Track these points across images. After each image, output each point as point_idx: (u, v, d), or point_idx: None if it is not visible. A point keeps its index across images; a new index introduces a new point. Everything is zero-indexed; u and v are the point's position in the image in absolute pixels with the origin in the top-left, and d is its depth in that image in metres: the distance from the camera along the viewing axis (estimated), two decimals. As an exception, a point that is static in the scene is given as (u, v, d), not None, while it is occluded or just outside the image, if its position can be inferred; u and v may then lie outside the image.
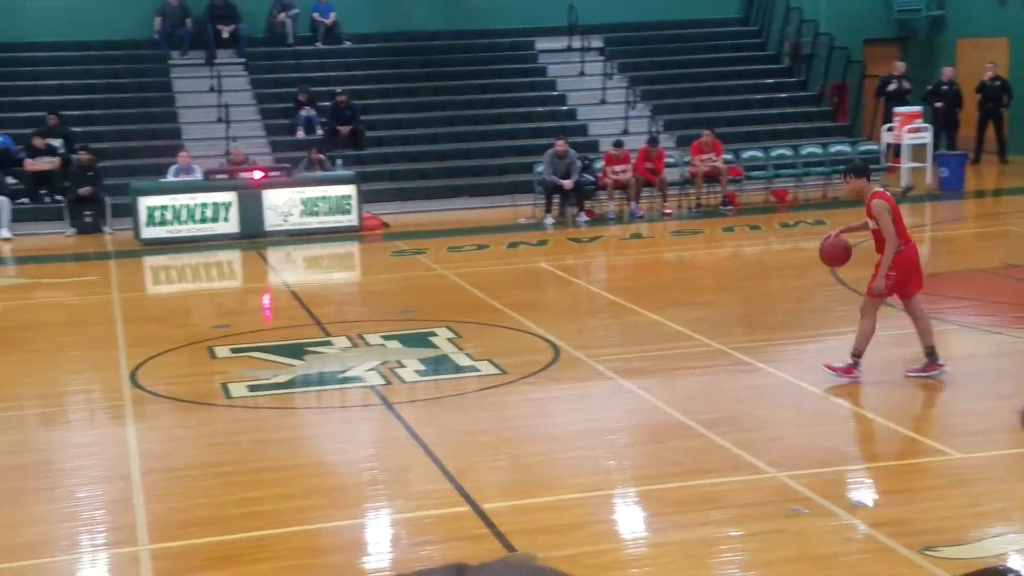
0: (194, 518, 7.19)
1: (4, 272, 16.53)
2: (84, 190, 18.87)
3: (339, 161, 20.38)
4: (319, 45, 24.18)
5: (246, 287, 15.90)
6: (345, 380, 10.18)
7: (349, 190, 18.62)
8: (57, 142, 19.93)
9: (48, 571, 6.63)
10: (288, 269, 16.52)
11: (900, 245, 9.11)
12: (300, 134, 21.72)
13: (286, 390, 9.94)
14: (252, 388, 9.90)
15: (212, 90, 22.20)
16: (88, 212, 19.00)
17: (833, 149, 21.01)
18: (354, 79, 23.10)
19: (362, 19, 24.47)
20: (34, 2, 23.03)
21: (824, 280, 13.13)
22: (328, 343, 11.36)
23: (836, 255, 9.68)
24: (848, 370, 9.35)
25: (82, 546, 6.93)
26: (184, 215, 17.98)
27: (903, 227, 9.25)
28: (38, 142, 19.58)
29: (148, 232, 17.87)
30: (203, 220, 18.04)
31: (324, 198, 18.48)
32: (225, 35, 23.34)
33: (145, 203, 17.92)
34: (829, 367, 9.45)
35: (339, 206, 18.53)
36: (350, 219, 18.53)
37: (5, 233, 18.52)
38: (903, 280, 9.21)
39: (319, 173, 19.24)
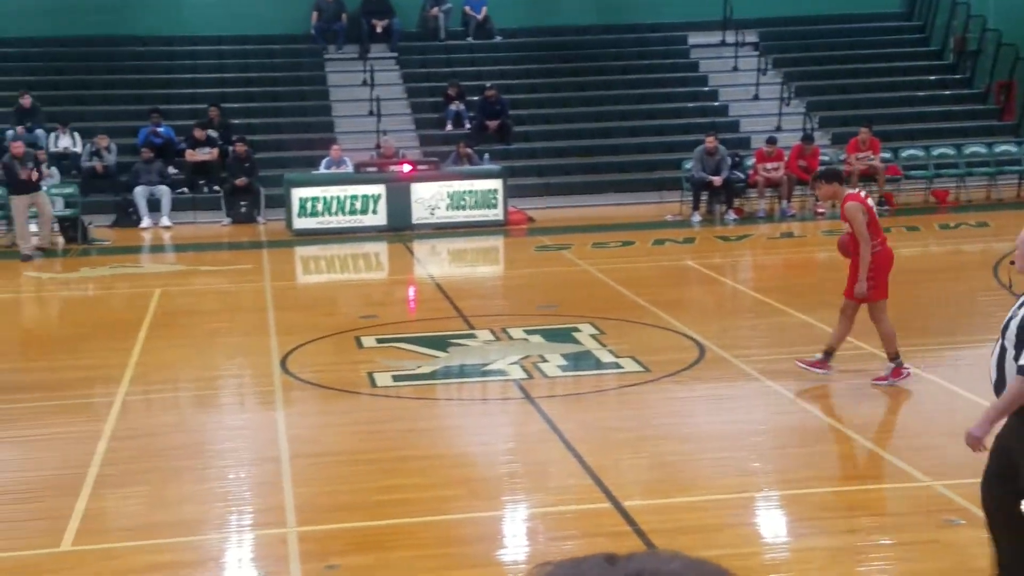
0: (339, 503, 7.29)
1: (164, 259, 17.13)
2: (240, 181, 19.42)
3: (486, 155, 20.51)
4: (470, 40, 24.38)
5: (392, 278, 16.13)
6: (488, 373, 10.20)
7: (495, 184, 18.71)
8: (216, 134, 20.57)
9: (199, 548, 6.81)
10: (433, 262, 16.68)
11: (876, 246, 9.05)
12: (449, 128, 21.93)
13: (429, 381, 10.02)
14: (396, 378, 10.01)
15: (364, 84, 22.59)
16: (243, 202, 19.55)
17: (998, 149, 20.22)
18: (503, 74, 23.21)
19: (513, 14, 24.56)
20: (198, -2, 23.85)
21: (985, 285, 12.61)
22: (472, 336, 11.42)
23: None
24: (895, 373, 9.19)
25: (232, 525, 7.10)
26: (334, 207, 18.34)
27: (878, 230, 9.22)
28: (199, 134, 20.23)
29: (300, 223, 18.29)
30: (352, 212, 18.37)
31: (470, 192, 18.61)
32: (379, 30, 23.73)
33: (298, 194, 18.34)
34: (878, 379, 9.26)
35: (485, 200, 18.63)
36: (496, 213, 18.62)
37: (165, 221, 19.19)
38: (882, 281, 9.17)
39: (466, 167, 19.38)
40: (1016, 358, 4.93)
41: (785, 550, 6.67)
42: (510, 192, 18.94)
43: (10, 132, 19.97)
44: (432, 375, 10.15)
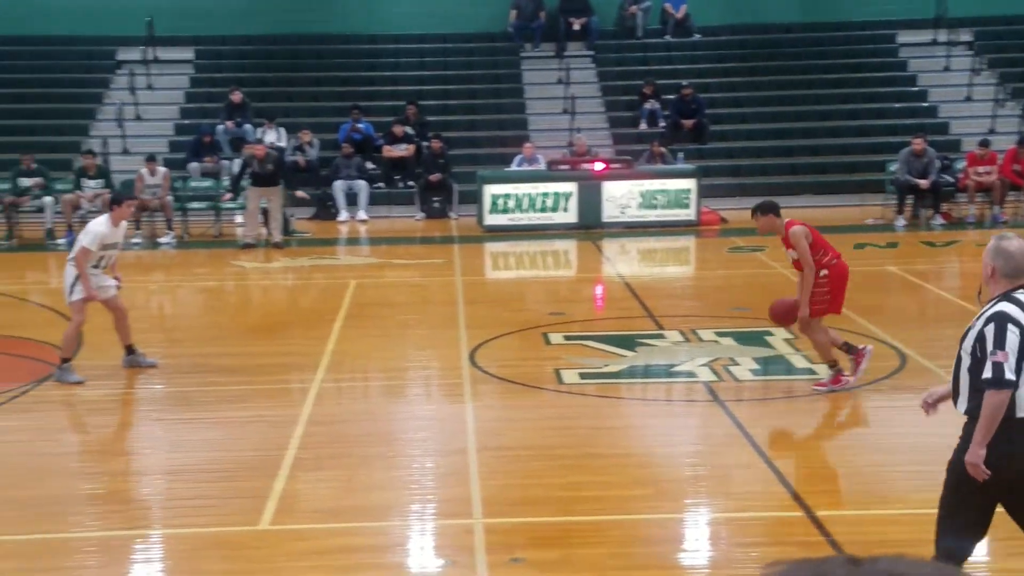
0: (525, 497, 7.31)
1: (359, 252, 17.58)
2: (434, 177, 19.76)
3: (680, 155, 20.27)
4: (668, 38, 24.17)
5: (581, 276, 16.10)
6: (676, 374, 10.06)
7: (689, 184, 18.48)
8: (413, 131, 20.99)
9: (388, 534, 6.93)
10: (623, 260, 16.58)
11: (832, 260, 9.20)
12: (643, 127, 21.78)
13: (616, 380, 9.94)
14: (583, 375, 9.97)
15: (560, 82, 22.67)
16: (436, 198, 19.89)
17: None
18: (701, 72, 22.92)
19: (714, 11, 24.25)
20: (401, -4, 24.43)
21: None
22: (660, 336, 11.28)
23: (782, 315, 9.48)
24: (835, 380, 9.27)
25: (420, 513, 7.21)
26: (526, 203, 18.45)
27: (829, 246, 9.31)
28: (397, 130, 20.69)
29: (491, 219, 18.48)
30: (543, 209, 18.45)
31: (663, 191, 18.42)
32: (576, 28, 23.77)
33: (490, 191, 18.53)
34: (818, 385, 9.36)
35: (677, 200, 18.42)
36: (688, 213, 18.38)
37: (362, 215, 19.70)
38: (836, 297, 9.24)
39: (659, 166, 19.20)
40: (970, 367, 5.08)
41: (985, 570, 6.33)
42: (703, 192, 18.67)
43: (220, 127, 20.88)
44: (619, 374, 10.07)
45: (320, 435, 8.61)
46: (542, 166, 19.20)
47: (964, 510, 5.21)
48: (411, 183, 20.32)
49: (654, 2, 24.24)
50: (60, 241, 17.31)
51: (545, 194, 18.41)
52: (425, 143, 20.50)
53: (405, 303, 13.62)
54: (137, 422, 9.20)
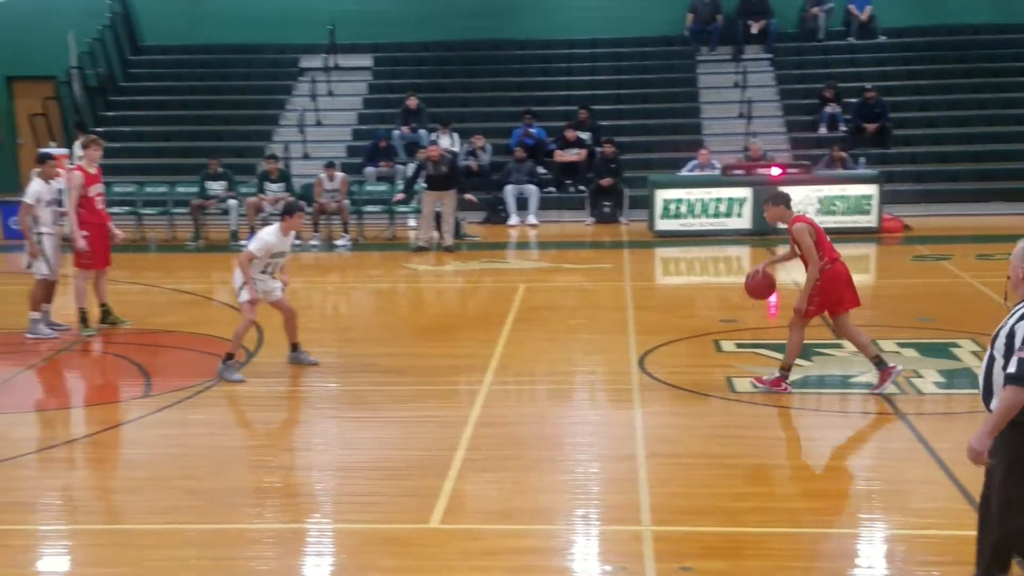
0: (694, 505, 7.17)
1: (528, 256, 17.64)
2: (605, 181, 19.70)
3: (862, 160, 19.68)
4: (851, 40, 23.50)
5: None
6: (855, 385, 9.72)
7: (870, 190, 17.92)
8: (586, 135, 20.97)
9: (556, 537, 6.90)
10: (798, 268, 16.10)
11: (827, 264, 9.30)
12: (822, 131, 21.24)
13: (791, 389, 9.67)
14: (756, 384, 9.73)
15: (736, 86, 22.31)
16: (607, 203, 19.82)
17: None
18: (885, 75, 22.23)
19: (900, 12, 23.51)
20: (578, 1, 24.42)
21: None
22: (838, 346, 10.93)
23: (761, 290, 9.78)
24: (776, 383, 9.44)
25: (588, 518, 7.14)
26: (698, 209, 18.21)
27: (829, 246, 9.42)
28: (569, 134, 20.70)
29: (662, 224, 18.30)
30: (716, 215, 18.17)
31: (843, 197, 17.92)
32: (754, 31, 23.37)
33: (662, 196, 18.35)
34: (758, 380, 9.53)
35: (858, 206, 17.89)
36: (868, 220, 17.83)
37: (531, 219, 19.78)
38: (832, 298, 9.37)
39: (839, 171, 18.67)
40: (1004, 367, 5.10)
41: None
42: (885, 198, 18.06)
43: (396, 132, 21.29)
44: (793, 384, 9.79)
45: (489, 437, 8.64)
46: (717, 172, 18.91)
47: None
48: (582, 187, 20.30)
49: (837, 3, 23.61)
50: (243, 243, 17.88)
51: (719, 199, 18.12)
52: (597, 147, 20.44)
53: (574, 307, 13.58)
54: (312, 419, 9.42)
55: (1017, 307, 5.23)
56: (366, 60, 24.26)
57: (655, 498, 7.23)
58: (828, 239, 9.53)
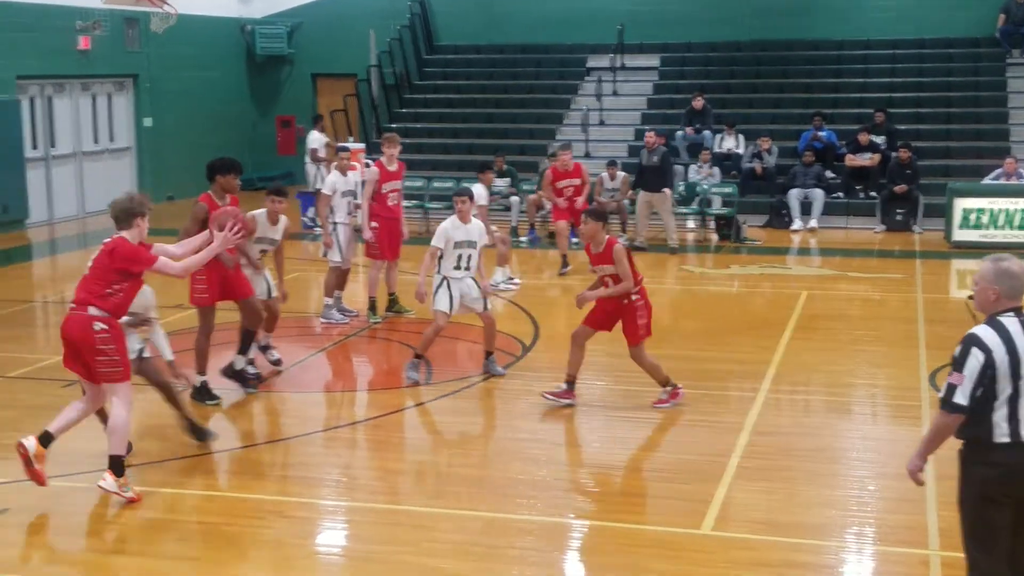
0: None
1: (810, 262, 17.06)
2: (899, 188, 18.81)
3: None
4: None
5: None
6: None
7: None
8: (880, 139, 20.10)
9: (833, 554, 6.65)
10: None
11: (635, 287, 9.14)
12: None
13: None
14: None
15: (1049, 91, 20.81)
16: (900, 210, 18.92)
17: None
18: None
19: None
20: (875, 2, 23.47)
21: None
22: None
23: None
24: (565, 394, 9.32)
25: (867, 537, 6.84)
26: (1002, 220, 17.13)
27: (636, 271, 9.28)
28: (862, 138, 19.90)
29: (960, 235, 17.31)
30: (1022, 227, 17.01)
31: None
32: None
33: (961, 205, 17.36)
34: (549, 394, 9.35)
35: None
36: None
37: (813, 224, 19.15)
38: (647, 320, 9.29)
39: None
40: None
41: None
42: None
43: (679, 132, 21.10)
44: None
45: (764, 445, 8.40)
46: None
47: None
48: (873, 194, 19.46)
49: None
50: (522, 239, 18.24)
51: (1024, 210, 16.98)
52: (892, 152, 19.55)
53: (859, 318, 13.04)
54: (584, 416, 9.43)
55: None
56: (653, 60, 24.19)
57: (945, 522, 6.79)
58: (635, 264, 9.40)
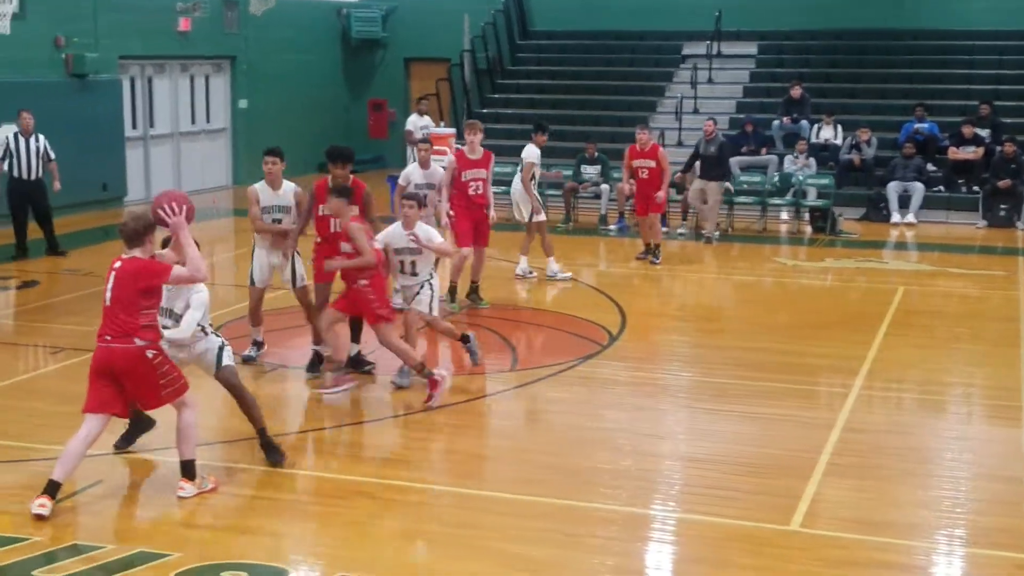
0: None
1: (908, 257, 16.66)
2: (1003, 183, 18.29)
3: None
4: None
5: None
6: None
7: None
8: (984, 132, 19.54)
9: (924, 555, 6.47)
10: None
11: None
12: None
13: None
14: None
15: None
16: (1003, 206, 18.40)
17: None
18: None
19: None
20: (982, -9, 22.87)
21: None
22: None
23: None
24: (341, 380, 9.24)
25: (959, 540, 6.64)
26: (1110, 218, 16.51)
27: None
28: (966, 131, 19.37)
29: (1066, 232, 16.76)
30: None
31: None
32: None
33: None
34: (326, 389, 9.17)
35: None
36: None
37: (911, 218, 18.70)
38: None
39: None
40: None
41: None
42: None
43: (776, 122, 20.75)
44: None
45: (856, 443, 8.22)
46: None
47: None
48: (975, 188, 18.94)
49: None
50: (611, 227, 18.10)
51: None
52: (997, 146, 18.99)
53: (958, 315, 12.71)
54: (670, 407, 9.32)
55: None
56: (751, 48, 23.82)
57: (1040, 526, 6.59)
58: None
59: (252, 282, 9.99)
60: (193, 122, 22.38)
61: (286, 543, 6.53)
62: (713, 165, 17.07)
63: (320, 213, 9.56)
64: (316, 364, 9.74)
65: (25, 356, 10.68)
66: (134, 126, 20.81)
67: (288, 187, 9.78)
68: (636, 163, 15.47)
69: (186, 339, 7.35)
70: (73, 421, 7.11)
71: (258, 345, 10.13)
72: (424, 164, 11.95)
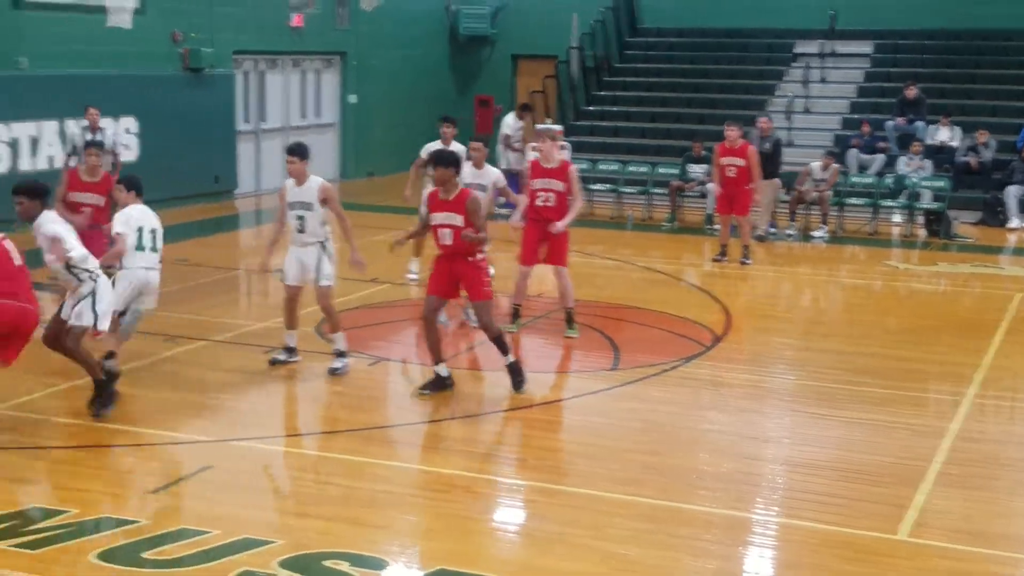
0: None
1: (1018, 262, 16.13)
2: None
3: None
4: None
5: None
6: None
7: None
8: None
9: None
10: None
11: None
12: None
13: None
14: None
15: None
16: None
17: None
18: None
19: None
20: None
21: None
22: None
23: None
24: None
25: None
26: None
27: None
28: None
29: None
30: None
31: None
32: None
33: None
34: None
35: None
36: None
37: (1015, 223, 18.12)
38: None
39: None
40: None
41: None
42: None
43: (890, 122, 20.27)
44: None
45: (969, 452, 7.99)
46: None
47: None
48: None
49: None
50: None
51: None
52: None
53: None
54: (775, 411, 9.16)
55: None
56: (865, 47, 23.33)
57: None
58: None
59: (283, 278, 9.79)
60: (303, 116, 22.73)
61: (386, 534, 6.57)
62: (767, 162, 16.45)
63: (432, 223, 9.12)
64: (435, 384, 9.16)
65: (139, 344, 10.94)
66: (246, 120, 21.21)
67: (313, 182, 9.65)
68: (724, 160, 15.16)
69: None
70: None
71: (290, 351, 9.80)
72: (479, 165, 11.41)
